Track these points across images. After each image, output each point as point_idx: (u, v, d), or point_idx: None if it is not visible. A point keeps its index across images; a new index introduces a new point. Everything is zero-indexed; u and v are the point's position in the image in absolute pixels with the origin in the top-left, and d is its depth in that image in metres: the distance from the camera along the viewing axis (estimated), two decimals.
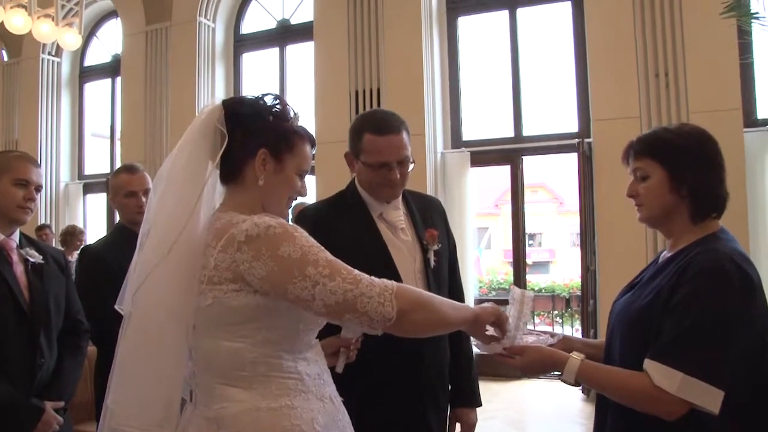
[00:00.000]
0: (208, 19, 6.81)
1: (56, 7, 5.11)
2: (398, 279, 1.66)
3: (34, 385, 1.88)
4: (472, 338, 1.73)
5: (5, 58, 7.95)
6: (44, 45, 7.35)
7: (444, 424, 1.83)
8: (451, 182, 5.76)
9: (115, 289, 1.25)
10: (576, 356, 1.32)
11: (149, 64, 6.89)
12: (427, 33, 5.77)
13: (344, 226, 1.71)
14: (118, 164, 6.66)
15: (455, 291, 1.90)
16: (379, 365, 1.62)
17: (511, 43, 5.83)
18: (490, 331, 1.38)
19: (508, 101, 5.87)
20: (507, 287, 10.11)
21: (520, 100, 5.81)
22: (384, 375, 1.65)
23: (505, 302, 1.66)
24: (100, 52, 7.99)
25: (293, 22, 6.81)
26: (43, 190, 8.37)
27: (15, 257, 1.93)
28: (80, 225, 7.08)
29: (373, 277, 1.17)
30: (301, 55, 6.73)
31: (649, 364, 1.23)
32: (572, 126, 5.62)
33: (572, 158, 5.36)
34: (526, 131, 5.82)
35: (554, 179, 22.60)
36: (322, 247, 1.17)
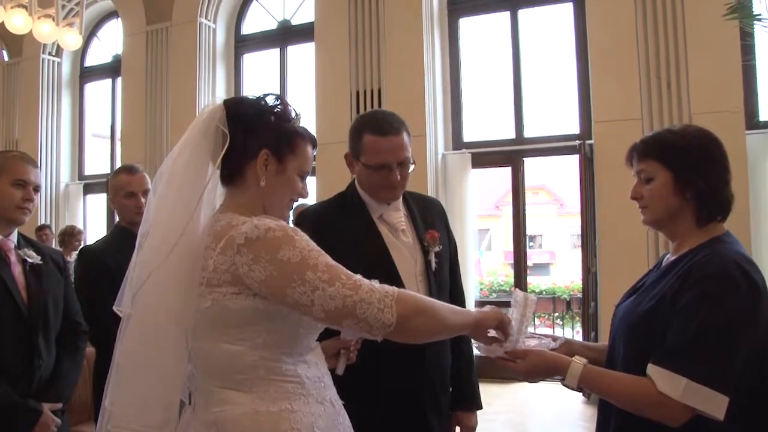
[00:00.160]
0: (208, 20, 6.80)
1: (57, 7, 5.11)
2: (399, 281, 1.66)
3: (32, 387, 1.87)
4: (473, 340, 1.72)
5: (6, 58, 7.95)
6: (45, 45, 7.35)
7: (445, 427, 1.81)
8: (452, 184, 5.75)
9: (114, 290, 1.24)
10: (578, 361, 1.30)
11: (150, 65, 6.88)
12: (428, 34, 5.76)
13: (344, 227, 1.70)
14: (118, 165, 6.64)
15: (456, 293, 1.89)
16: (381, 368, 1.60)
17: (512, 45, 5.82)
18: (492, 333, 1.37)
19: (509, 103, 5.86)
20: (508, 289, 10.10)
21: (521, 102, 5.79)
22: (385, 378, 1.64)
23: (505, 304, 1.65)
24: (100, 53, 7.98)
25: (294, 22, 6.80)
26: (44, 191, 8.30)
27: (13, 258, 1.92)
28: (80, 226, 7.08)
29: (374, 283, 1.16)
30: (302, 56, 6.73)
31: (652, 369, 1.22)
32: (573, 128, 5.60)
33: (573, 160, 5.35)
34: (528, 133, 5.81)
35: (555, 181, 22.59)
36: (323, 251, 1.16)
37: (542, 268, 21.59)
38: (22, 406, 1.82)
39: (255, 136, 1.23)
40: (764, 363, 1.24)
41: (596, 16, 5.17)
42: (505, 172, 5.91)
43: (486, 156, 5.86)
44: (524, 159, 5.77)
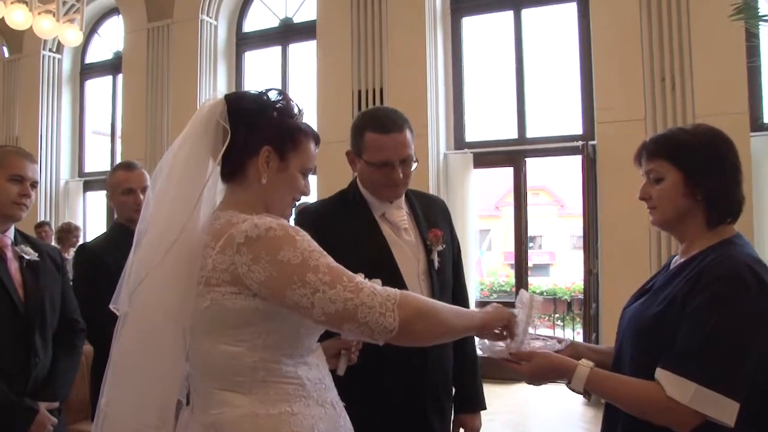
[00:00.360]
0: (210, 17, 6.78)
1: (57, 3, 5.09)
2: (401, 280, 1.63)
3: (29, 386, 1.85)
4: (477, 341, 1.70)
5: (6, 55, 7.93)
6: (45, 41, 7.33)
7: (447, 428, 1.79)
8: (454, 183, 5.72)
9: (112, 287, 1.21)
10: (585, 364, 1.27)
11: (151, 62, 6.86)
12: (431, 33, 5.74)
13: (346, 226, 1.67)
14: (118, 162, 6.62)
15: (459, 293, 1.87)
16: (382, 369, 1.58)
17: (515, 44, 5.79)
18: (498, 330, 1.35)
19: (511, 102, 5.84)
20: (509, 290, 10.08)
21: (524, 102, 5.77)
22: (387, 379, 1.62)
23: (507, 305, 1.62)
24: (101, 49, 7.96)
25: (296, 20, 6.78)
26: (43, 188, 8.29)
27: (9, 254, 1.90)
28: (80, 223, 7.06)
29: (375, 285, 1.12)
30: (304, 54, 6.70)
31: (661, 373, 1.19)
32: (576, 128, 5.58)
33: (575, 161, 5.32)
34: (530, 133, 5.78)
35: (555, 182, 22.58)
36: (324, 252, 1.13)
37: (542, 268, 21.57)
38: (18, 405, 1.80)
39: (257, 132, 1.20)
40: None
41: (600, 16, 5.15)
42: (506, 173, 5.88)
43: (488, 156, 5.84)
44: (526, 159, 5.75)
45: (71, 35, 5.23)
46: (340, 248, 1.23)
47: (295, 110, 1.26)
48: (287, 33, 6.80)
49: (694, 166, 1.27)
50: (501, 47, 6.05)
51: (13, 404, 1.79)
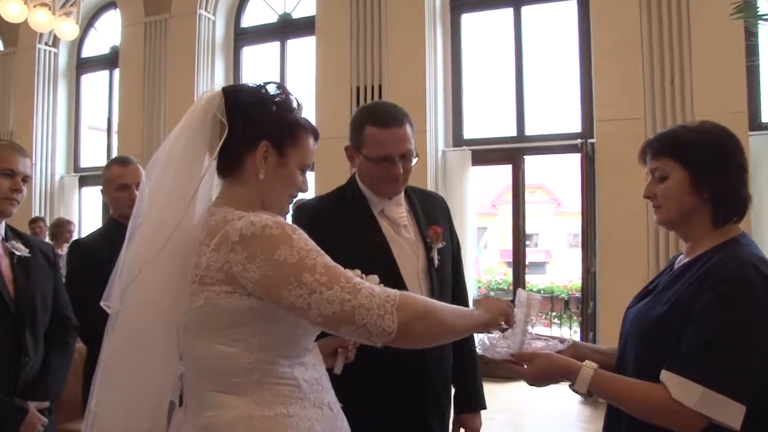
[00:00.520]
0: (208, 12, 6.73)
1: None
2: (400, 278, 1.61)
3: (19, 385, 1.81)
4: (477, 342, 1.67)
5: (1, 48, 7.86)
6: (41, 35, 7.26)
7: (446, 427, 1.76)
8: (452, 181, 5.70)
9: (105, 284, 1.18)
10: (589, 365, 1.25)
11: (148, 57, 6.81)
12: (431, 29, 5.71)
13: (344, 222, 1.64)
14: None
15: (459, 291, 1.85)
16: (380, 369, 1.55)
17: (515, 42, 5.77)
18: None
19: (510, 100, 5.82)
20: (506, 287, 10.07)
21: (523, 99, 5.75)
22: (386, 380, 1.59)
23: None
24: (98, 44, 7.90)
25: (295, 16, 6.74)
26: (38, 183, 8.21)
27: (0, 250, 1.86)
28: (76, 219, 7.01)
29: (374, 286, 1.09)
30: (302, 50, 6.66)
31: (666, 375, 1.17)
32: (575, 126, 5.56)
33: (573, 159, 5.31)
34: (529, 131, 5.76)
35: (553, 180, 22.58)
36: (322, 251, 1.09)
37: (538, 266, 21.57)
38: (7, 404, 1.76)
39: (255, 126, 1.17)
40: None
41: (600, 14, 5.13)
42: (503, 171, 5.86)
43: (486, 153, 5.81)
44: (525, 157, 5.73)
45: (67, 29, 5.18)
46: (338, 245, 1.20)
47: (294, 104, 1.23)
48: (286, 28, 6.76)
49: (700, 164, 1.25)
50: (500, 44, 6.03)
51: (2, 404, 1.75)
